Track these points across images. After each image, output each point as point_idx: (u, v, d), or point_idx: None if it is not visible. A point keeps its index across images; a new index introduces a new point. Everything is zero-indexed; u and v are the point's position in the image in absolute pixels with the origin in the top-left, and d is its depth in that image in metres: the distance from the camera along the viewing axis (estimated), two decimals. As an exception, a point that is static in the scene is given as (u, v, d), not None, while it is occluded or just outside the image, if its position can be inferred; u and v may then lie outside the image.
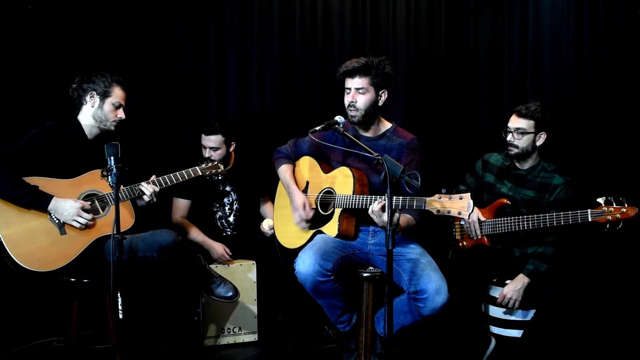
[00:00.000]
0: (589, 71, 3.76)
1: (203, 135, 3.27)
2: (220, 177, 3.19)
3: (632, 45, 3.64)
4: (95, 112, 2.81)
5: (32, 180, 2.58)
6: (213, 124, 3.27)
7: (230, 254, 3.22)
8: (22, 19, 3.28)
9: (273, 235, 3.09)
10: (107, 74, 2.83)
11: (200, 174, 2.88)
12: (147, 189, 2.71)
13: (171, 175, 2.81)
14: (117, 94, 2.82)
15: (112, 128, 2.84)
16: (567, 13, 3.78)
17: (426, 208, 2.36)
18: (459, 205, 2.27)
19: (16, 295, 3.23)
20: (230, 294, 2.87)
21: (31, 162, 2.61)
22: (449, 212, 2.29)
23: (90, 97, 2.79)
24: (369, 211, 2.49)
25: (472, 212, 2.27)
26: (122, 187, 2.67)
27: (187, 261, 2.75)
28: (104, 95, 2.79)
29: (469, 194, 2.27)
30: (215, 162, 2.97)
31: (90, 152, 2.76)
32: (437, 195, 2.33)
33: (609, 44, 3.71)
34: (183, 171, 2.84)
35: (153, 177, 2.78)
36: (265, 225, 3.24)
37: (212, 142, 3.25)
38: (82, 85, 2.80)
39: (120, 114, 2.84)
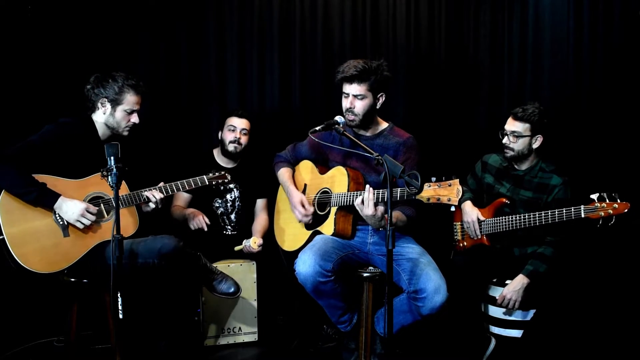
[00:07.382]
0: (589, 71, 3.76)
1: (234, 118, 3.32)
2: (227, 187, 3.29)
3: (632, 45, 3.64)
4: (107, 119, 2.77)
5: (41, 178, 2.56)
6: (239, 109, 3.38)
7: (209, 222, 3.11)
8: (22, 19, 3.28)
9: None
10: (120, 77, 2.73)
11: (207, 183, 2.87)
12: (153, 195, 2.70)
13: (178, 182, 2.79)
14: (129, 100, 2.75)
15: (125, 133, 2.80)
16: (567, 13, 3.78)
17: (416, 197, 2.31)
18: (448, 192, 2.23)
19: (16, 295, 3.23)
20: (232, 289, 2.87)
21: (42, 159, 2.57)
22: (438, 199, 2.25)
23: (102, 104, 2.75)
24: (355, 204, 2.48)
25: (461, 198, 2.22)
26: (128, 192, 2.68)
27: (188, 266, 2.74)
28: (115, 103, 2.74)
29: (457, 180, 2.23)
30: (223, 172, 2.94)
31: (100, 152, 2.71)
32: (426, 183, 2.29)
33: (609, 44, 3.71)
34: (190, 179, 2.82)
35: (161, 184, 2.77)
36: (255, 244, 3.10)
37: (243, 124, 3.31)
38: (94, 89, 2.74)
39: (134, 118, 2.79)
